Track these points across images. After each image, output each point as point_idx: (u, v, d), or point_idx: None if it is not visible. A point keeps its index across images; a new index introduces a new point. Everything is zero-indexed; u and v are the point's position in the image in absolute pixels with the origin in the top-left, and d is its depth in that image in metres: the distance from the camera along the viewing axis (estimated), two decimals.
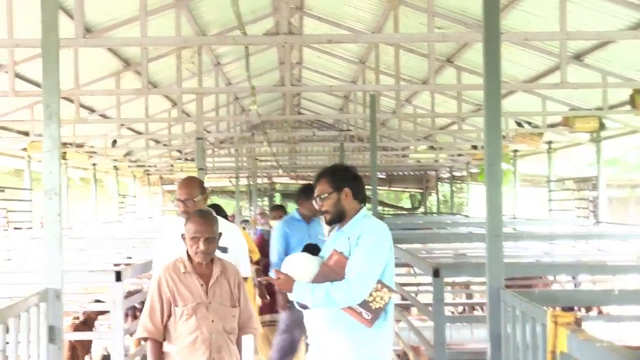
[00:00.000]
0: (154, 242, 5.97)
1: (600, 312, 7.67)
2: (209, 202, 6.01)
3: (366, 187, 5.53)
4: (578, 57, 11.12)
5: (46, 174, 4.23)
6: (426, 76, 12.10)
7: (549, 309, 2.94)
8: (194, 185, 5.49)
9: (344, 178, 4.46)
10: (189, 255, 4.53)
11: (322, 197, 4.45)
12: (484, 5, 4.31)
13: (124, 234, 15.04)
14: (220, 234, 4.64)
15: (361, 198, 4.48)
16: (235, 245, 5.51)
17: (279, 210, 10.05)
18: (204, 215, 4.59)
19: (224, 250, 5.23)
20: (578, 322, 2.75)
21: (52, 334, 4.21)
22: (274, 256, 7.73)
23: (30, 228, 17.45)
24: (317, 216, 8.27)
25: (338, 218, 4.42)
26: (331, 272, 4.18)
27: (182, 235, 4.52)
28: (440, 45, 12.34)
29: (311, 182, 8.89)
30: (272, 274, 5.27)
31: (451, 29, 11.08)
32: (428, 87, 11.52)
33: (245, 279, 5.29)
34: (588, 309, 7.72)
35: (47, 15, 4.43)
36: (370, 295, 4.13)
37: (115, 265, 9.05)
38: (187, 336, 4.39)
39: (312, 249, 4.48)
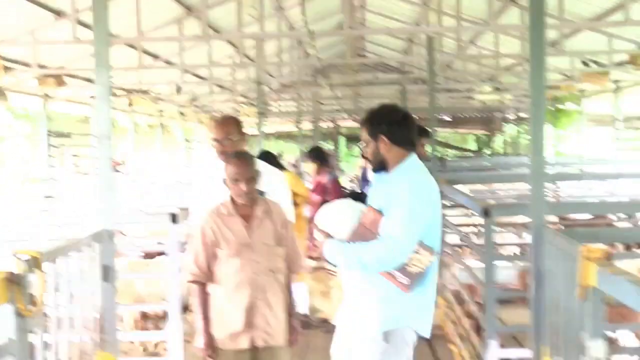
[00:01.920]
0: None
1: None
2: (265, 147, 6.00)
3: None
4: None
5: (97, 120, 4.38)
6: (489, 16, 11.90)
7: (584, 246, 2.97)
8: (230, 123, 5.39)
9: (378, 124, 4.19)
10: (231, 198, 4.57)
11: (364, 144, 4.27)
12: None
13: (190, 179, 15.29)
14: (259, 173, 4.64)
15: (407, 143, 4.17)
16: (273, 189, 5.33)
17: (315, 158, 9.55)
18: (241, 156, 4.62)
19: (261, 194, 5.13)
20: (608, 257, 2.78)
21: (106, 273, 4.41)
22: None
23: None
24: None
25: (380, 167, 4.22)
26: (368, 233, 4.01)
27: (224, 179, 4.54)
28: None
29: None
30: None
31: None
32: (489, 27, 11.38)
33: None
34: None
35: None
36: (409, 257, 3.91)
37: (181, 209, 9.27)
38: (232, 277, 4.45)
39: (357, 197, 4.37)
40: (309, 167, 9.21)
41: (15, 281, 3.01)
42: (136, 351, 7.50)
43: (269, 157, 8.88)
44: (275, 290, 4.53)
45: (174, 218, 5.65)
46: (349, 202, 4.37)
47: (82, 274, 4.17)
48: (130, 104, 19.14)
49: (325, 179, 9.03)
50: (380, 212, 4.00)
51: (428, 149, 8.88)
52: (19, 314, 3.06)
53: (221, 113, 26.71)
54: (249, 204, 4.55)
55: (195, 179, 5.54)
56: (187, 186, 11.83)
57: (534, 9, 4.23)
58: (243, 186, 4.45)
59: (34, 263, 3.19)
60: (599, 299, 2.86)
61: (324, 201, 8.45)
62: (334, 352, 4.36)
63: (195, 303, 4.57)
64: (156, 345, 7.68)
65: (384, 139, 4.13)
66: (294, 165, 21.68)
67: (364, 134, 4.25)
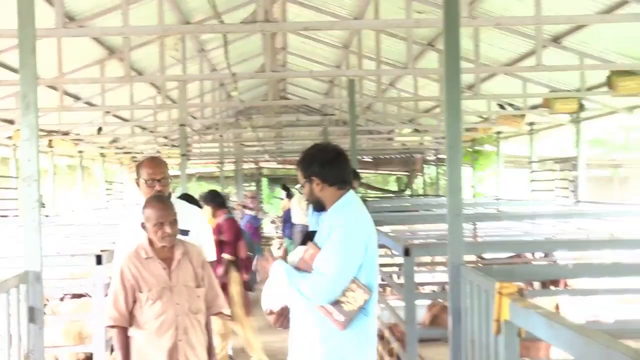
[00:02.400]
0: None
1: (565, 286, 7.84)
2: (180, 191, 6.01)
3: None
4: (556, 39, 11.29)
5: (25, 161, 4.38)
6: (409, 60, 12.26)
7: (498, 283, 3.13)
8: (164, 164, 5.34)
9: (310, 165, 4.20)
10: (150, 241, 4.57)
11: (300, 186, 4.31)
12: None
13: (111, 221, 15.13)
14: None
15: (340, 182, 4.17)
16: (197, 228, 5.39)
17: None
18: (162, 199, 4.65)
19: (185, 233, 5.18)
20: (521, 292, 2.95)
21: (32, 315, 4.39)
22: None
23: (17, 216, 17.57)
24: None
25: (318, 207, 4.25)
26: (307, 267, 4.04)
27: (142, 223, 4.55)
28: (421, 29, 12.47)
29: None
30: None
31: (431, 13, 11.22)
32: (408, 71, 11.69)
33: (211, 262, 5.25)
34: (555, 284, 7.89)
35: (23, 7, 4.51)
36: (344, 295, 3.94)
37: (102, 251, 9.19)
38: (153, 320, 4.45)
39: (312, 236, 4.32)
40: (206, 210, 9.27)
41: None
42: None
43: (190, 200, 8.99)
44: (197, 331, 4.56)
45: (98, 259, 5.64)
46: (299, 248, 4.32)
47: (8, 315, 4.16)
48: (50, 145, 18.94)
49: (221, 219, 9.10)
50: (318, 248, 4.03)
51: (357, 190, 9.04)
52: None
53: (143, 154, 26.63)
54: (168, 246, 4.56)
55: (123, 221, 5.50)
56: (108, 227, 11.74)
57: (449, 55, 4.36)
58: (167, 229, 4.47)
59: None
60: (512, 332, 3.02)
61: (220, 241, 8.55)
62: None
63: (116, 347, 4.53)
64: None
65: (316, 180, 4.15)
66: None
67: (299, 175, 4.27)
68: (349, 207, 4.13)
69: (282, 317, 4.26)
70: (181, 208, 5.32)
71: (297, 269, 4.07)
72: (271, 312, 4.29)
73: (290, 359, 4.31)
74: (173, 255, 4.59)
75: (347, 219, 4.02)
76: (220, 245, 8.51)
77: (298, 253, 4.18)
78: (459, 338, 4.13)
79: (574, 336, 2.21)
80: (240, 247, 8.91)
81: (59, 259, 6.56)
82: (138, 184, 5.06)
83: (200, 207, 8.38)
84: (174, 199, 5.48)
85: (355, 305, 3.93)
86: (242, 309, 8.78)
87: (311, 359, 4.07)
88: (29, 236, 4.39)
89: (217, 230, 8.91)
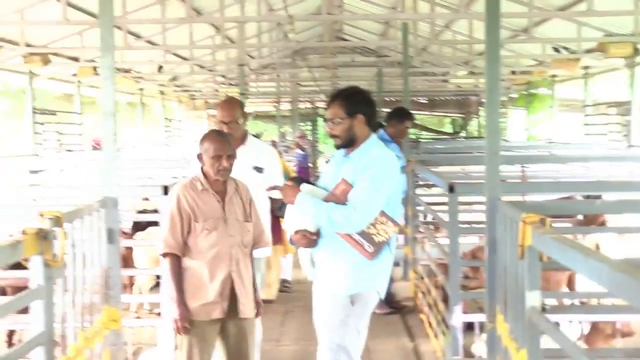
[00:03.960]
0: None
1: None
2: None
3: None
4: None
5: (103, 98, 4.86)
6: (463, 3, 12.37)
7: (524, 213, 3.53)
8: (236, 106, 5.60)
9: (359, 103, 4.44)
10: (204, 174, 4.71)
11: (334, 121, 4.45)
12: None
13: (171, 156, 15.56)
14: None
15: (373, 125, 4.53)
16: (270, 166, 5.70)
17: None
18: (221, 133, 4.84)
19: (260, 170, 5.53)
20: (543, 221, 3.33)
21: (111, 236, 4.91)
22: None
23: (82, 150, 18.26)
24: (402, 138, 8.73)
25: (348, 143, 4.45)
26: (338, 201, 4.27)
27: (199, 154, 4.69)
28: None
29: (402, 106, 9.26)
30: None
31: None
32: (461, 15, 11.86)
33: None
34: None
35: None
36: (375, 227, 4.24)
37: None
38: (208, 250, 4.60)
39: (302, 182, 4.54)
40: None
41: (43, 236, 3.51)
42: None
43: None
44: (247, 264, 4.74)
45: (165, 190, 5.93)
46: (311, 188, 4.49)
47: (90, 235, 4.67)
48: None
49: None
50: (350, 184, 4.27)
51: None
52: (47, 264, 3.56)
53: (201, 92, 27.09)
54: (223, 180, 4.70)
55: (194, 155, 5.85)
56: (169, 162, 12.23)
57: (489, 4, 4.67)
58: (224, 162, 4.58)
59: (57, 222, 3.69)
60: (534, 255, 3.41)
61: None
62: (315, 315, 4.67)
63: (168, 275, 4.66)
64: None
65: (361, 119, 4.40)
66: (274, 144, 22.15)
67: (336, 111, 4.44)
68: (380, 145, 4.49)
69: (308, 237, 4.44)
70: (256, 146, 5.69)
71: (328, 200, 4.33)
72: (297, 232, 4.48)
73: (316, 287, 4.62)
74: (226, 190, 4.71)
75: (382, 156, 4.38)
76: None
77: (318, 191, 4.42)
78: (494, 265, 4.49)
79: (580, 256, 2.59)
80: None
81: (128, 190, 6.97)
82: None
83: None
84: (250, 138, 5.83)
85: (385, 236, 4.28)
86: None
87: (338, 286, 4.36)
88: (107, 165, 4.88)
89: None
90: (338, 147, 4.56)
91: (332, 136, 4.55)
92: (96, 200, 4.75)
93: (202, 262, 4.60)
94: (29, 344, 3.55)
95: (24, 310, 3.86)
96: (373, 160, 4.31)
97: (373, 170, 4.26)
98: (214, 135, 4.72)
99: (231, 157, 4.63)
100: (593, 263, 2.39)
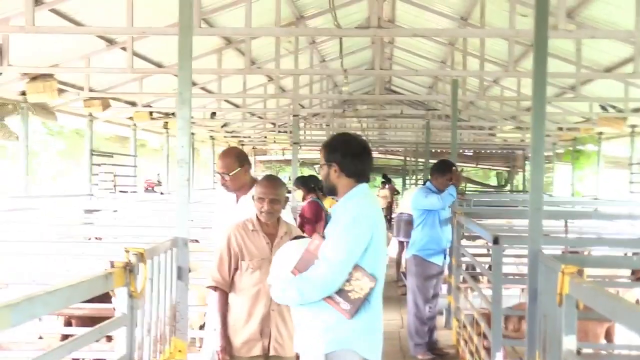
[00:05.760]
0: None
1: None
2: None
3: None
4: None
5: (179, 147, 5.31)
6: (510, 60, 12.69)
7: (563, 264, 3.86)
8: (228, 157, 5.62)
9: (333, 152, 4.29)
10: (257, 215, 4.97)
11: (319, 166, 4.45)
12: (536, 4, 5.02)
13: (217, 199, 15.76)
14: (287, 198, 5.10)
15: (358, 175, 4.28)
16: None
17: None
18: (271, 178, 5.09)
19: None
20: (580, 272, 3.67)
21: (181, 273, 5.32)
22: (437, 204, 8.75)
23: (135, 192, 18.84)
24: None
25: (329, 191, 4.38)
26: (313, 258, 4.12)
27: (253, 196, 4.97)
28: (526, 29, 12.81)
29: (444, 159, 9.60)
30: None
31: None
32: (509, 73, 12.18)
33: None
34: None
35: (185, 17, 5.44)
36: (350, 283, 4.02)
37: None
38: (250, 288, 4.84)
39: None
40: (298, 193, 10.25)
41: (129, 270, 3.92)
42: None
43: (305, 181, 10.02)
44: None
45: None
46: (298, 240, 4.46)
47: (164, 272, 5.09)
48: (165, 127, 20.12)
49: (306, 201, 9.99)
50: (324, 238, 4.15)
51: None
52: (131, 295, 3.97)
53: (250, 138, 27.62)
54: (270, 222, 4.96)
55: (218, 198, 6.24)
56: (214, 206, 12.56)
57: (537, 71, 4.96)
58: (266, 205, 4.86)
59: (141, 258, 4.11)
60: (571, 302, 3.74)
61: (302, 222, 9.44)
62: None
63: (214, 308, 4.91)
64: None
65: (335, 167, 4.26)
66: None
67: (321, 157, 4.39)
68: (358, 196, 4.22)
69: None
70: None
71: (302, 259, 4.15)
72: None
73: (297, 348, 4.48)
74: (277, 232, 4.98)
75: (353, 206, 4.13)
76: (302, 225, 9.37)
77: (302, 244, 4.25)
78: (534, 313, 4.80)
79: (611, 301, 2.93)
80: (319, 227, 9.31)
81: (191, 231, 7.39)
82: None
83: (313, 187, 9.37)
84: None
85: (361, 293, 4.03)
86: None
87: (318, 348, 4.12)
88: (180, 208, 5.31)
89: (302, 211, 9.82)
90: (325, 193, 4.75)
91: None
92: (167, 240, 5.17)
93: (244, 299, 4.85)
94: None
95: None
96: (347, 210, 4.14)
97: (345, 220, 4.08)
98: (263, 179, 5.07)
99: (275, 201, 4.90)
100: (621, 309, 2.72)
